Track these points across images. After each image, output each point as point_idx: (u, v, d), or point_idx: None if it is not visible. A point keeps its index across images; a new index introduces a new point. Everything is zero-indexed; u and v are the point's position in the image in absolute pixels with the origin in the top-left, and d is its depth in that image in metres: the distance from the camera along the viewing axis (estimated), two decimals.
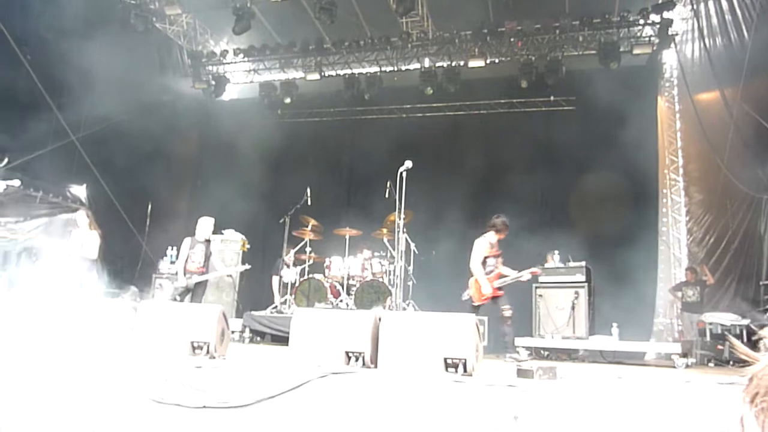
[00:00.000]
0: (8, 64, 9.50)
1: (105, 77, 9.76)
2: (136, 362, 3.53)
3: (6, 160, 9.66)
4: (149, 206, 12.24)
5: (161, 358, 3.61)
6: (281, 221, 9.98)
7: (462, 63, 12.51)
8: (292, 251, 10.19)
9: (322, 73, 13.41)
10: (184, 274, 7.63)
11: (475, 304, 6.80)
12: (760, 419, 0.57)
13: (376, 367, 3.77)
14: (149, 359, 3.59)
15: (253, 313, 9.34)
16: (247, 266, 9.01)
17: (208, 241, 7.88)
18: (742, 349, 0.66)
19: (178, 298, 7.57)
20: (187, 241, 7.80)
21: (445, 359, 3.58)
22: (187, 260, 7.70)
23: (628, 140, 10.31)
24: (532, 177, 11.70)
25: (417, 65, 13.19)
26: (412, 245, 9.75)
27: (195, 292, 7.69)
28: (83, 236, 7.83)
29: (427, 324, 3.82)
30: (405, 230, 8.97)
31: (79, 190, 11.96)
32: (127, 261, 12.24)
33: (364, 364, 3.78)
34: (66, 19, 9.79)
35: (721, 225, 10.35)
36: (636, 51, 11.52)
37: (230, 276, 10.11)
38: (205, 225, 7.90)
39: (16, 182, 9.85)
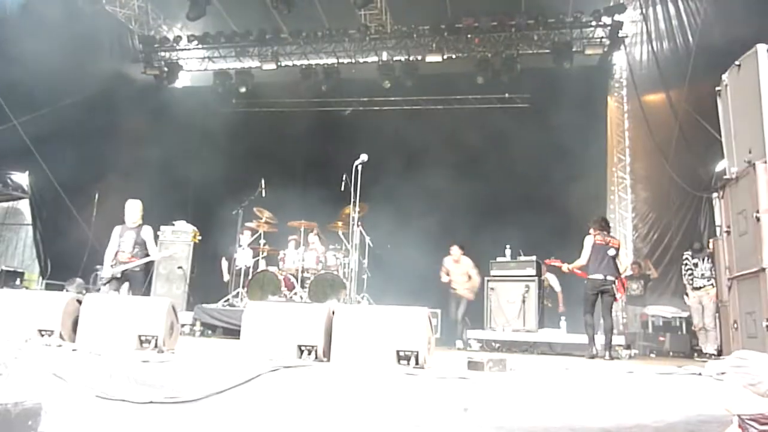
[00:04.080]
0: None
1: (50, 60, 9.33)
2: (79, 356, 3.41)
3: None
4: (96, 195, 11.79)
5: (107, 352, 3.50)
6: (234, 213, 9.82)
7: (420, 57, 12.57)
8: (249, 232, 10.03)
9: (279, 63, 13.23)
10: (111, 264, 6.91)
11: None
12: None
13: (328, 360, 3.76)
14: (94, 353, 3.47)
15: (204, 305, 9.17)
16: (167, 254, 8.68)
17: (139, 226, 7.13)
18: None
19: (104, 288, 6.89)
20: (117, 229, 7.10)
21: (398, 352, 3.60)
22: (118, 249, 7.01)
23: (579, 138, 10.57)
24: (485, 172, 11.85)
25: (375, 58, 13.17)
26: (367, 238, 9.76)
27: (132, 283, 6.98)
28: None
29: (380, 317, 3.83)
30: (360, 223, 8.97)
31: (21, 178, 11.47)
32: (73, 252, 11.77)
33: (316, 357, 3.76)
34: None
35: (664, 222, 10.77)
36: (588, 51, 11.86)
37: (181, 267, 9.86)
38: (132, 208, 7.14)
39: None
